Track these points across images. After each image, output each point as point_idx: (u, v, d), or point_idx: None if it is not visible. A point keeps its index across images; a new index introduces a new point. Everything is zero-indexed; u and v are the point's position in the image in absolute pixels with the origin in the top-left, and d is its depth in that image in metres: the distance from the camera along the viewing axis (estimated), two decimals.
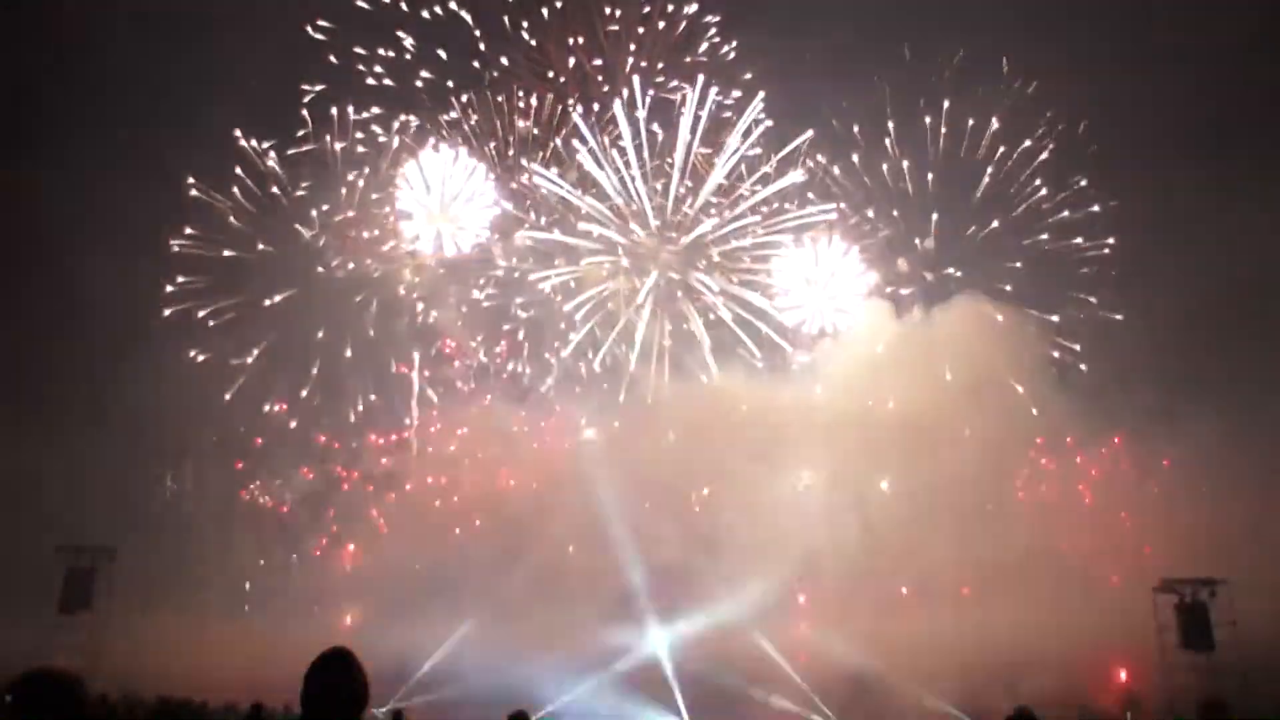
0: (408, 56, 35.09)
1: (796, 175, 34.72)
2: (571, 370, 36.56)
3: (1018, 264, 35.89)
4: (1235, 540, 29.50)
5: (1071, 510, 35.60)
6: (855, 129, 36.03)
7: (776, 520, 34.29)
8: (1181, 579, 27.69)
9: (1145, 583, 28.24)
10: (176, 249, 34.42)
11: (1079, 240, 35.60)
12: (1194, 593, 27.27)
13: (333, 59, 34.36)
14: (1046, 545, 32.92)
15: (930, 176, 36.10)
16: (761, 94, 34.42)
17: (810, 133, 35.02)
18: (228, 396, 34.74)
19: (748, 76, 35.33)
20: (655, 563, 32.33)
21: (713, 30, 35.81)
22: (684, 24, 35.91)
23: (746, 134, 34.73)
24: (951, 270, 36.26)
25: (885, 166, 36.16)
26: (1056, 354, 35.71)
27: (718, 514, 35.38)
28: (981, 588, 32.59)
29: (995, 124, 35.52)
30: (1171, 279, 33.00)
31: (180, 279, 34.44)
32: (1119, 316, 35.03)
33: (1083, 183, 35.20)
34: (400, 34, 34.95)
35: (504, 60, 35.89)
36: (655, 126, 34.76)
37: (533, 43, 35.91)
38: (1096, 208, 35.18)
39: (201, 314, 34.63)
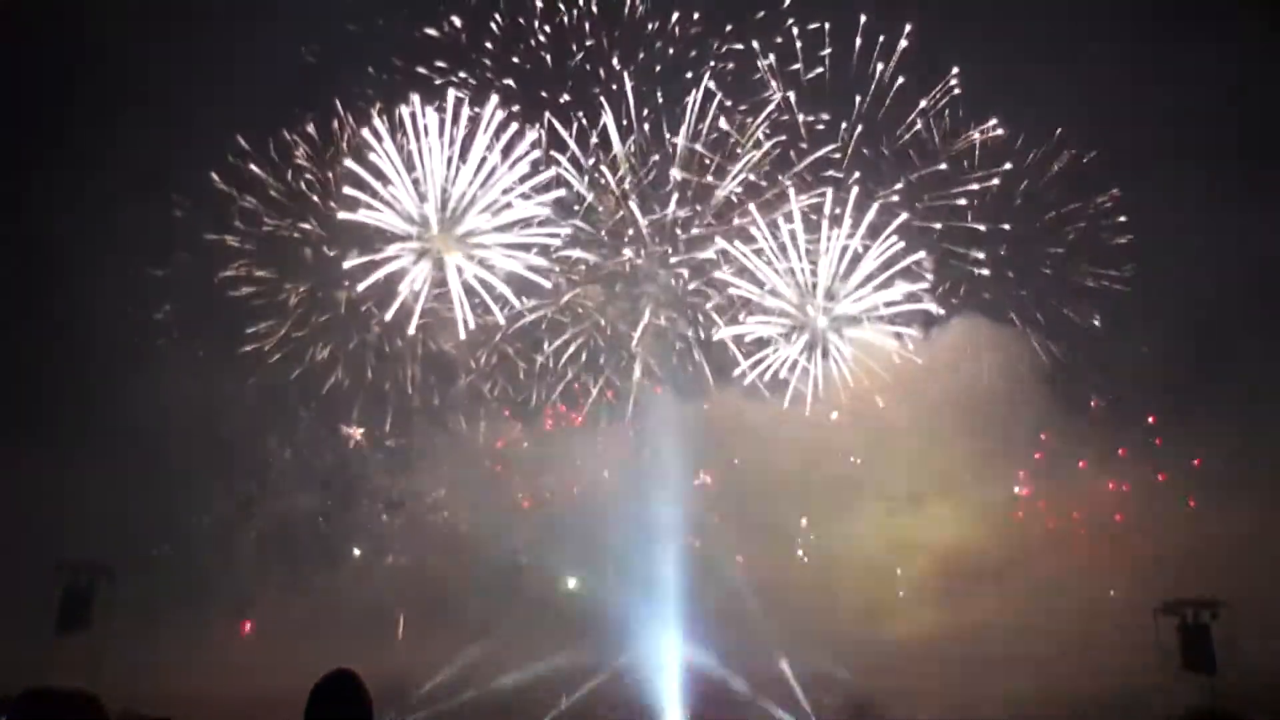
0: (398, 77, 34.92)
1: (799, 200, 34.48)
2: (572, 394, 36.34)
3: (1022, 292, 36.03)
4: (1237, 561, 29.39)
5: (1072, 530, 35.51)
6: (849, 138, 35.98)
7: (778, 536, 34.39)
8: (1183, 600, 27.52)
9: (1146, 604, 28.14)
10: (163, 275, 33.94)
11: (1085, 264, 35.63)
12: (1196, 614, 27.10)
13: (328, 82, 34.25)
14: (1046, 565, 32.85)
15: (926, 198, 36.20)
16: (766, 109, 34.57)
17: (833, 146, 34.60)
18: (224, 433, 34.53)
19: (770, 95, 35.20)
20: (659, 580, 32.34)
21: (716, 43, 35.80)
22: (684, 42, 35.97)
23: (757, 145, 34.67)
24: (954, 301, 36.34)
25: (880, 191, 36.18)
26: (1061, 379, 35.55)
27: (722, 532, 35.36)
28: (980, 606, 32.51)
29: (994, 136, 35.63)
30: (1169, 299, 33.07)
31: (167, 307, 33.97)
32: (1145, 350, 34.22)
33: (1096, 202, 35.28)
34: (395, 59, 34.91)
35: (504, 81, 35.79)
36: (654, 149, 34.86)
37: (527, 67, 35.79)
38: (1105, 235, 35.28)
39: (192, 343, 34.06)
